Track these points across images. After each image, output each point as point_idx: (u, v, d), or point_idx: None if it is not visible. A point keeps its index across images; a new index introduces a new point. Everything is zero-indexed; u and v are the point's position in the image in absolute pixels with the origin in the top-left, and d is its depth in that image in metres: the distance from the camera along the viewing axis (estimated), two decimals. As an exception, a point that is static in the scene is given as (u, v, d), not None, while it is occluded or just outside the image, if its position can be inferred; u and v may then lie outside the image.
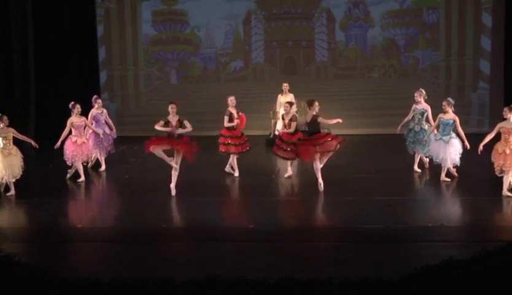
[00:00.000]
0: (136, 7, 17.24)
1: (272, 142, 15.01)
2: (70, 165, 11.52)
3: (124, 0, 17.20)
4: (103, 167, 12.34)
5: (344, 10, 16.88)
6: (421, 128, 11.38)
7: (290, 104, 11.28)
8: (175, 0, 17.23)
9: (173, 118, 10.18)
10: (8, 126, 10.41)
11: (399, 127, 11.71)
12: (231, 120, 11.41)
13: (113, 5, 17.19)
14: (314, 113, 10.39)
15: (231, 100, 11.46)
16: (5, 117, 10.41)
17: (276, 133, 12.68)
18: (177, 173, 10.18)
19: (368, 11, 16.79)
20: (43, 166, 12.70)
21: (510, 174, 9.61)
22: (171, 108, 10.20)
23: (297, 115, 11.60)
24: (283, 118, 11.14)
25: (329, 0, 16.88)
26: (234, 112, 11.49)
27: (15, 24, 15.29)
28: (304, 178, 11.37)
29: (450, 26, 16.48)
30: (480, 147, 9.77)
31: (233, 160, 11.62)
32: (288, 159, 11.15)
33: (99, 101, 12.51)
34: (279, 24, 17.16)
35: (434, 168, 11.16)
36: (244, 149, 11.58)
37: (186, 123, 10.21)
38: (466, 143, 10.41)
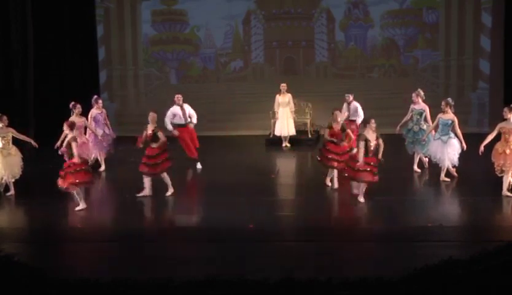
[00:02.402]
0: (136, 7, 17.23)
1: (271, 142, 15.08)
2: (70, 165, 11.52)
3: (124, 0, 17.19)
4: (103, 167, 12.34)
5: (344, 10, 16.87)
6: (420, 128, 11.39)
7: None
8: (175, 0, 17.23)
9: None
10: (8, 126, 10.41)
11: (398, 127, 11.74)
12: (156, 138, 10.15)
13: (112, 5, 17.18)
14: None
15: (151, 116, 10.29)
16: (4, 117, 10.40)
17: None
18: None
19: (367, 11, 16.78)
20: (43, 166, 12.69)
21: (510, 174, 9.63)
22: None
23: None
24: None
25: (329, 0, 16.86)
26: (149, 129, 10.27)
27: (15, 24, 15.31)
28: (304, 178, 11.37)
29: (450, 26, 16.47)
30: (481, 147, 9.77)
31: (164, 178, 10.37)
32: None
33: (100, 101, 12.50)
34: (279, 24, 17.15)
35: (434, 168, 11.16)
36: (155, 170, 10.18)
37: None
38: (464, 144, 10.41)
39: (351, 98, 12.81)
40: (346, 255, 7.40)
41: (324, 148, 10.45)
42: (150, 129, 10.09)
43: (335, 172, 10.39)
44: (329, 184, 10.53)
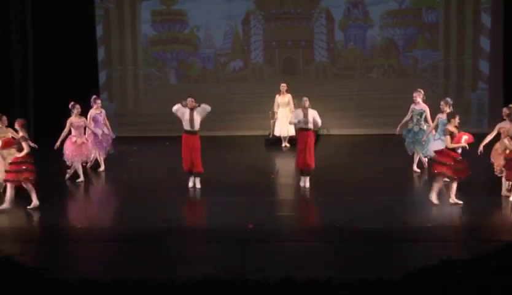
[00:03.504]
0: (135, 7, 17.23)
1: (271, 142, 15.09)
2: (69, 165, 11.52)
3: (123, 0, 17.19)
4: (102, 167, 12.33)
5: (343, 10, 16.87)
6: (420, 128, 11.39)
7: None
8: (175, 0, 17.23)
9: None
10: (7, 126, 10.39)
11: (398, 128, 11.71)
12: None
13: (112, 5, 17.18)
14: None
15: (18, 123, 9.78)
16: (4, 117, 10.39)
17: None
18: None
19: (367, 11, 16.79)
20: (43, 166, 12.67)
21: (509, 174, 9.62)
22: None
23: None
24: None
25: (329, 1, 16.87)
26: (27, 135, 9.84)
27: (15, 24, 15.32)
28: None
29: (450, 26, 16.48)
30: (481, 147, 9.76)
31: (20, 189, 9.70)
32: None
33: (98, 101, 12.48)
34: (278, 25, 17.16)
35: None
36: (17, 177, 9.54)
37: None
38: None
39: (307, 102, 10.48)
40: (346, 256, 7.40)
41: (447, 156, 9.23)
42: (17, 137, 9.73)
43: (454, 186, 9.29)
44: (437, 202, 9.34)
